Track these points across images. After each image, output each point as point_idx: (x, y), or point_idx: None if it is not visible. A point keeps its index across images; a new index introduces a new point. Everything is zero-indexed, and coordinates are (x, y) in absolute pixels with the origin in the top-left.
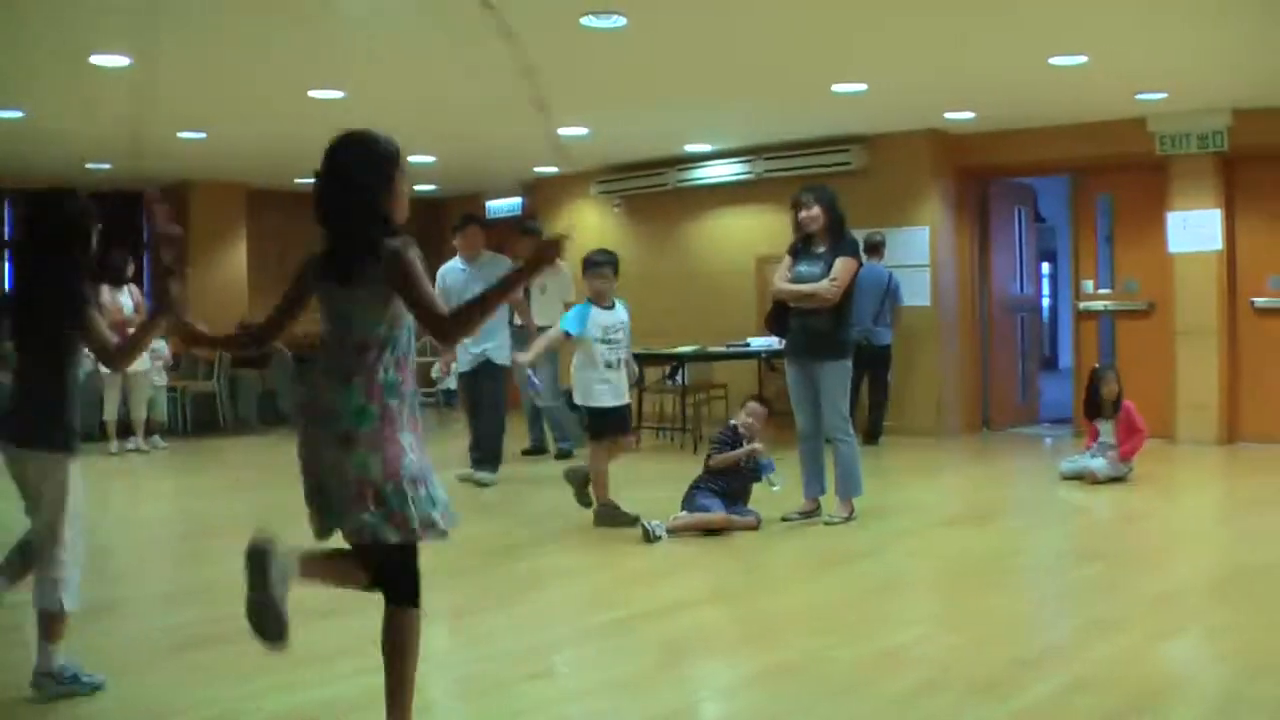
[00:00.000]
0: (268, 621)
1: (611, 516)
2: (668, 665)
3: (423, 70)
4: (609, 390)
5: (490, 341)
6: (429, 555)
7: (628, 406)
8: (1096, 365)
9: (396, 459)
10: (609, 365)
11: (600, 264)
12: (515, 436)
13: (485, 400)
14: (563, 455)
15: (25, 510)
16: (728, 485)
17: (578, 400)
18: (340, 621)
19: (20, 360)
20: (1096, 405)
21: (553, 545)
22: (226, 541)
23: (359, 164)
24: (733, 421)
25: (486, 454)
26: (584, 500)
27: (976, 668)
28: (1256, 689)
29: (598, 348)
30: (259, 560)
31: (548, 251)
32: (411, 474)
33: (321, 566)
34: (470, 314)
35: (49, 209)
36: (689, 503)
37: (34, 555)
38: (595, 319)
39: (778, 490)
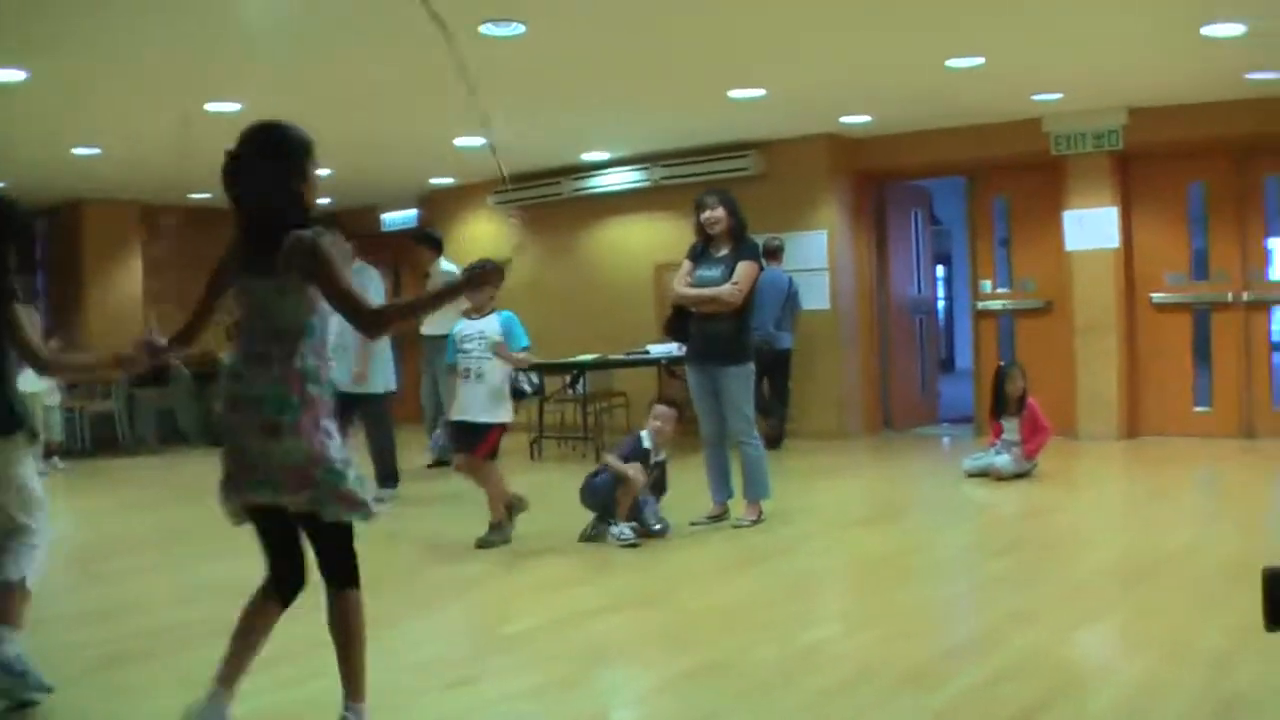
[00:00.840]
0: None
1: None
2: (588, 670)
3: (321, 83)
4: (460, 402)
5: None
6: None
7: (480, 423)
8: (1002, 363)
9: (323, 445)
10: (463, 376)
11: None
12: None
13: (370, 419)
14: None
15: None
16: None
17: None
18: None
19: None
20: (1002, 403)
21: (465, 554)
22: (130, 561)
23: (273, 151)
24: (641, 431)
25: (381, 471)
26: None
27: (900, 661)
28: (1173, 673)
29: (458, 358)
30: None
31: (490, 275)
32: (340, 456)
33: (241, 649)
34: (395, 312)
35: None
36: (590, 494)
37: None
38: (459, 331)
39: (658, 529)
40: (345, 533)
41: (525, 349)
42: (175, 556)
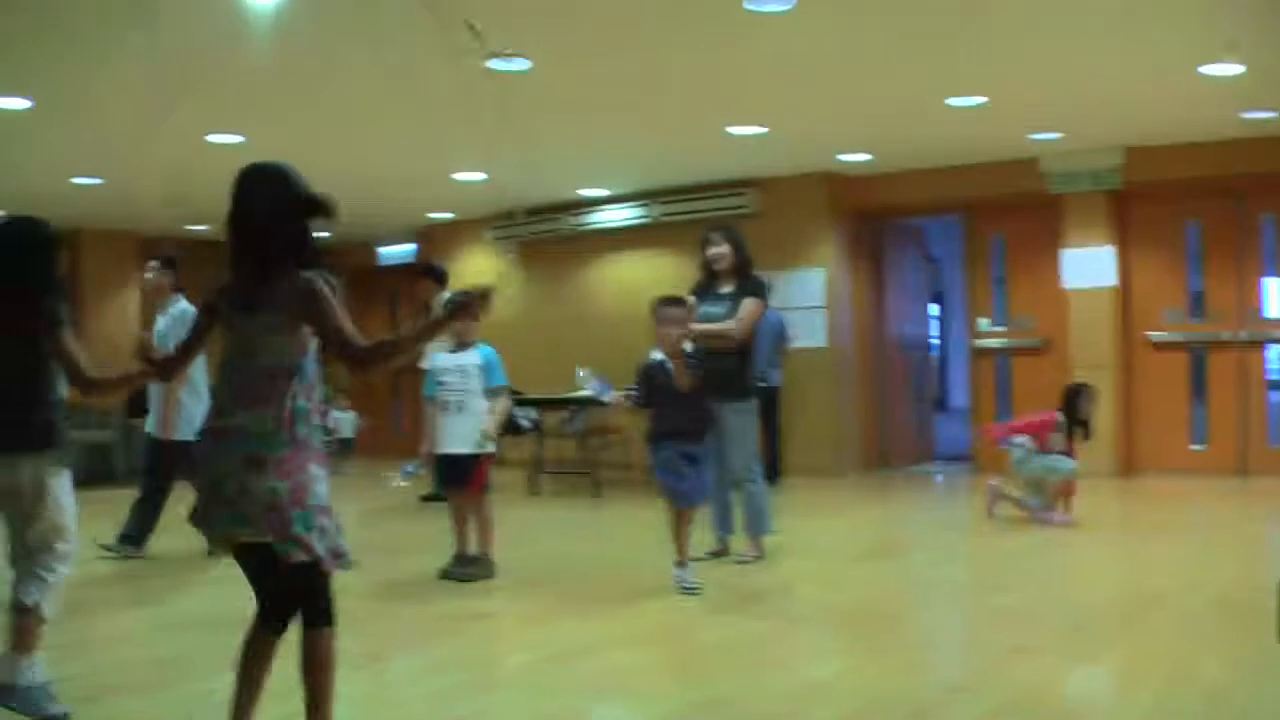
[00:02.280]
0: None
1: (460, 571)
2: (590, 705)
3: (320, 116)
4: (441, 436)
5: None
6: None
7: (466, 456)
8: (1077, 381)
9: (305, 487)
10: (444, 409)
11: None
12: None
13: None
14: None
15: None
16: (684, 425)
17: None
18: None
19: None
20: (1086, 424)
21: (459, 589)
22: (108, 593)
23: (274, 194)
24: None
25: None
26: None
27: (902, 697)
28: (1172, 705)
29: (437, 390)
30: None
31: (471, 306)
32: (320, 503)
33: (246, 686)
34: (387, 349)
35: (21, 232)
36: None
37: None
38: (436, 364)
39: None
40: (319, 572)
41: (503, 387)
42: (154, 589)
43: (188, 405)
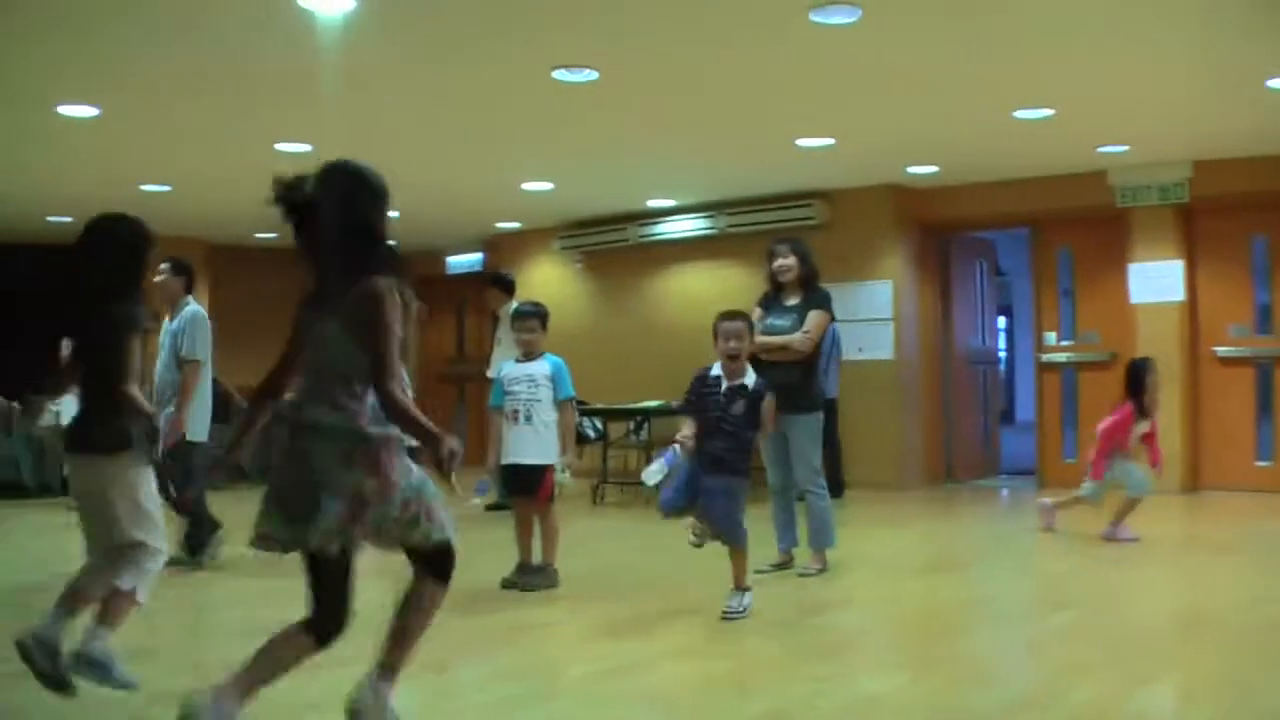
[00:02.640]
0: None
1: (524, 580)
2: (648, 717)
3: (389, 125)
4: (508, 446)
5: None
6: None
7: (533, 466)
8: (1139, 357)
9: (394, 486)
10: (512, 419)
11: (526, 315)
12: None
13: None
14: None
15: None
16: (719, 451)
17: None
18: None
19: (84, 376)
20: (1144, 400)
21: (522, 598)
22: (164, 599)
23: (354, 192)
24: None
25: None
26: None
27: (960, 712)
28: None
29: (505, 400)
30: None
31: (444, 461)
32: (405, 496)
33: (259, 668)
34: (408, 413)
35: (104, 233)
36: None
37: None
38: (505, 374)
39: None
40: (448, 547)
41: (570, 398)
42: (243, 589)
43: (195, 406)
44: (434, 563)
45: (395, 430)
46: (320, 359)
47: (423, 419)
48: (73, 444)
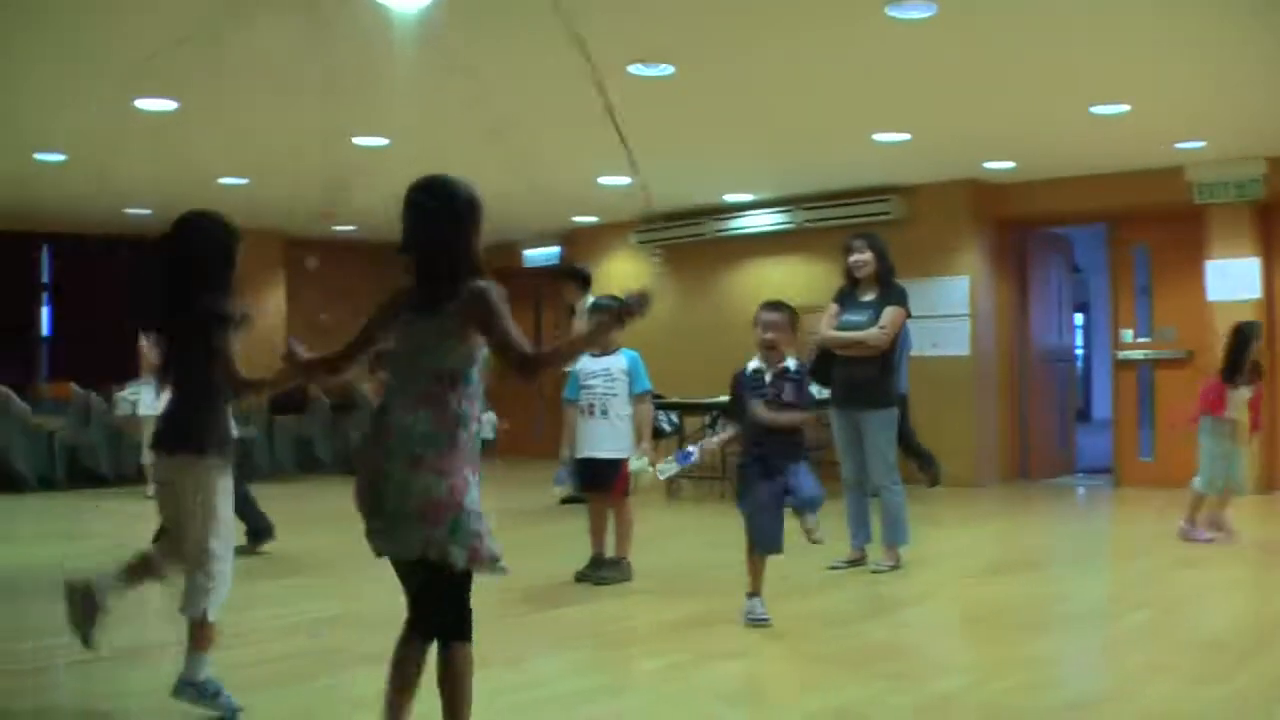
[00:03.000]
0: None
1: (598, 574)
2: (719, 712)
3: (465, 119)
4: (584, 440)
5: None
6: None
7: (608, 460)
8: (1244, 321)
9: (461, 490)
10: (587, 413)
11: (603, 308)
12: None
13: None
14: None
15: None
16: (770, 447)
17: None
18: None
19: (176, 373)
20: (1238, 366)
21: (595, 592)
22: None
23: (449, 207)
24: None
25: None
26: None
27: (1032, 713)
28: None
29: (580, 394)
30: None
31: (635, 305)
32: (474, 507)
33: (395, 696)
34: (555, 355)
35: (194, 229)
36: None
37: (178, 562)
38: (581, 368)
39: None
40: (462, 583)
41: (647, 391)
42: (285, 588)
43: None
44: (445, 615)
45: (467, 439)
46: (414, 358)
47: (574, 337)
48: (159, 440)
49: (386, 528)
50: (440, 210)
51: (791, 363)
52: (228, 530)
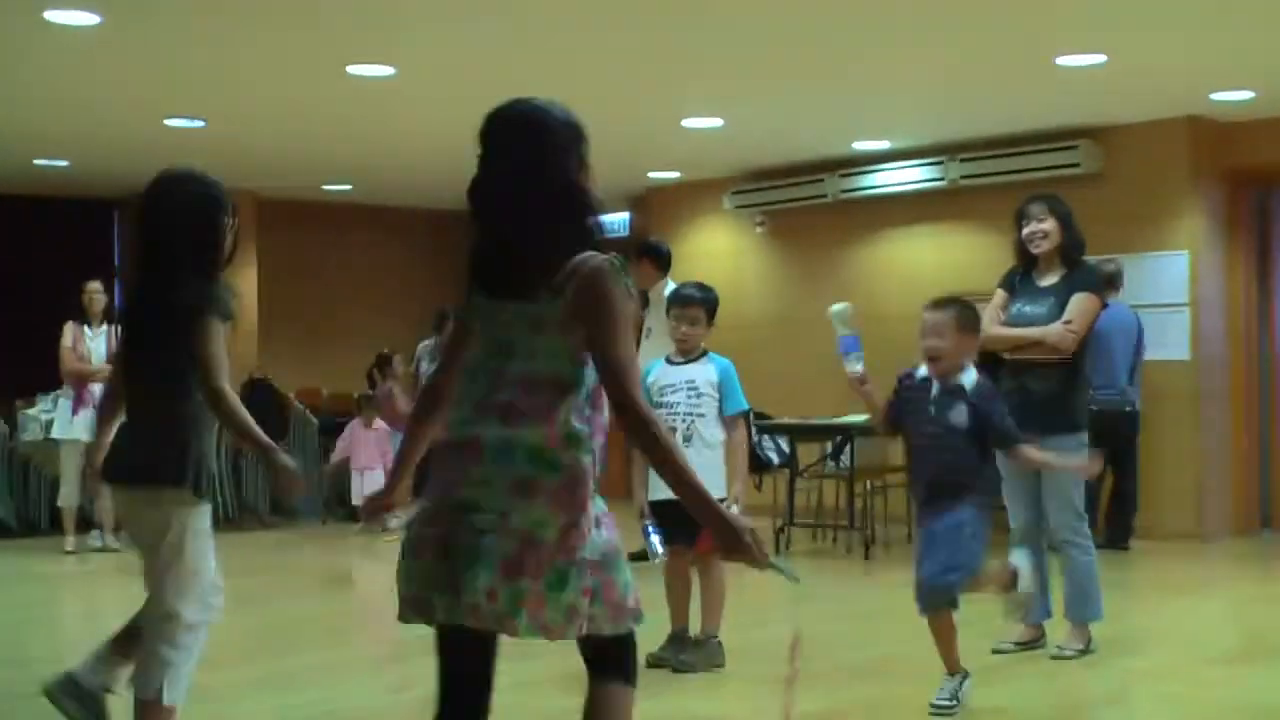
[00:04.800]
0: None
1: (678, 659)
2: None
3: (495, 42)
4: (658, 476)
5: None
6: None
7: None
8: None
9: (584, 535)
10: None
11: (687, 301)
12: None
13: None
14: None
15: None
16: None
17: None
18: None
19: (140, 382)
20: None
21: (675, 681)
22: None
23: (535, 134)
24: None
25: None
26: None
27: None
28: None
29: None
30: None
31: (740, 547)
32: (594, 556)
33: None
34: (663, 443)
35: (168, 194)
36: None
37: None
38: (655, 378)
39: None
40: (623, 639)
41: (744, 412)
42: (287, 669)
43: None
44: (609, 653)
45: (591, 464)
46: (496, 361)
47: (677, 460)
48: (109, 471)
49: (451, 583)
50: (514, 146)
51: (969, 378)
52: (201, 587)
